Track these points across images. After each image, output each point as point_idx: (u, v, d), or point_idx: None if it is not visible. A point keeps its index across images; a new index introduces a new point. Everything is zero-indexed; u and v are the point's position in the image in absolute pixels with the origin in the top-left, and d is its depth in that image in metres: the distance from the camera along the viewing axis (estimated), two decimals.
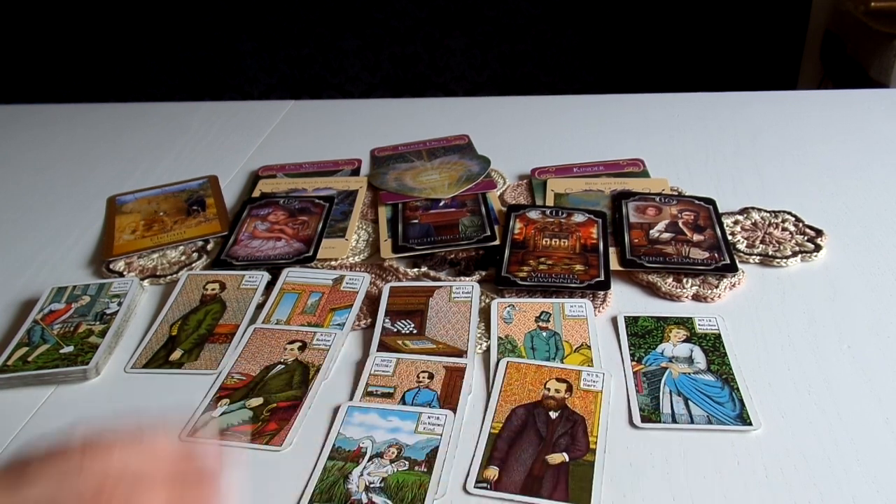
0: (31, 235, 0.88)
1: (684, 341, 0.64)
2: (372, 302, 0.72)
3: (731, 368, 0.61)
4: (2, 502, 0.35)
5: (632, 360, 0.62)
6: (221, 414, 0.60)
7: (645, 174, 0.90)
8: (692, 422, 0.56)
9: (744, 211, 0.81)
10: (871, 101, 1.06)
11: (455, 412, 0.58)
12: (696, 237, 0.76)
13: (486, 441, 0.55)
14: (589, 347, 0.64)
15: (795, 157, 0.93)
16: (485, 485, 0.52)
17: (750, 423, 0.55)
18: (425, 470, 0.53)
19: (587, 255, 0.74)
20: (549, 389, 0.59)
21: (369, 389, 0.61)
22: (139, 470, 0.38)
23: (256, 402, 0.61)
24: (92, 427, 0.40)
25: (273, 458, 0.56)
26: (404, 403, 0.59)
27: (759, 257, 0.74)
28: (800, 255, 0.73)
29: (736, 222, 0.79)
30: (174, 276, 0.78)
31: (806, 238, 0.76)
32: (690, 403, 0.58)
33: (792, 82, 2.20)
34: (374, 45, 2.38)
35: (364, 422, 0.57)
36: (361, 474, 0.53)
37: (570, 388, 0.59)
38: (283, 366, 0.64)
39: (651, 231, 0.77)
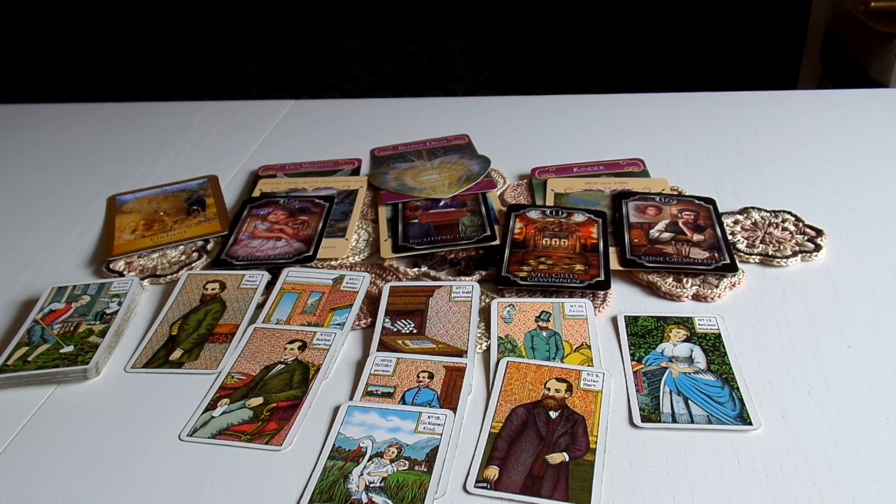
0: (31, 235, 0.88)
1: (684, 341, 0.64)
2: (372, 302, 0.72)
3: (731, 368, 0.61)
4: None
5: (632, 360, 0.63)
6: (221, 414, 0.60)
7: (645, 174, 0.90)
8: (692, 421, 0.56)
9: (744, 211, 0.81)
10: (871, 101, 1.06)
11: (455, 412, 0.58)
12: (697, 237, 0.76)
13: (486, 441, 0.55)
14: (589, 347, 0.64)
15: (795, 157, 0.93)
16: (485, 484, 0.52)
17: (750, 423, 0.55)
18: (425, 469, 0.53)
19: (587, 255, 0.74)
20: (549, 389, 0.59)
21: (369, 389, 0.61)
22: None
23: (256, 401, 0.61)
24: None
25: (273, 458, 0.56)
26: (404, 403, 0.59)
27: (759, 257, 0.74)
28: (800, 255, 0.73)
29: (736, 222, 0.79)
30: (174, 275, 0.78)
31: (806, 238, 0.76)
32: (690, 403, 0.58)
33: (792, 82, 2.20)
34: (374, 44, 2.38)
35: (364, 421, 0.57)
36: (361, 474, 0.53)
37: (570, 388, 0.59)
38: (283, 365, 0.64)
39: (651, 231, 0.77)
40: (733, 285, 0.70)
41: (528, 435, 0.56)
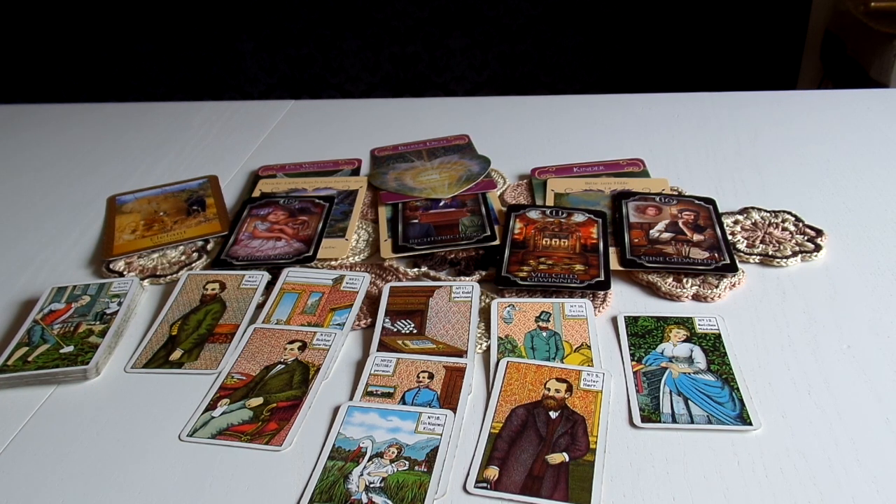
0: (31, 235, 0.88)
1: (684, 341, 0.64)
2: (372, 302, 0.72)
3: (731, 368, 0.61)
4: None
5: (632, 360, 0.63)
6: (221, 414, 0.60)
7: (645, 174, 0.90)
8: (692, 422, 0.56)
9: (744, 211, 0.81)
10: (871, 101, 1.06)
11: (455, 412, 0.58)
12: (696, 237, 0.76)
13: (486, 441, 0.55)
14: (589, 347, 0.64)
15: (795, 157, 0.93)
16: (485, 485, 0.52)
17: (750, 423, 0.55)
18: (425, 470, 0.53)
19: (587, 255, 0.74)
20: (549, 389, 0.59)
21: (369, 389, 0.61)
22: None
23: (256, 401, 0.61)
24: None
25: (273, 458, 0.56)
26: (404, 403, 0.59)
27: (759, 257, 0.74)
28: (800, 255, 0.73)
29: (736, 222, 0.79)
30: (174, 275, 0.78)
31: (806, 238, 0.76)
32: (690, 403, 0.58)
33: (792, 82, 2.20)
34: (374, 45, 2.38)
35: (364, 422, 0.57)
36: (361, 474, 0.53)
37: (570, 388, 0.59)
38: (283, 365, 0.64)
39: (651, 231, 0.77)
40: (733, 285, 0.70)
41: (528, 435, 0.56)
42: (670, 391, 0.59)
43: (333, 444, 0.56)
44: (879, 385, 0.58)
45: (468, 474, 0.53)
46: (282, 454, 0.56)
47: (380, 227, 0.83)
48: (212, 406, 0.61)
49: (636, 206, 0.82)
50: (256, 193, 0.92)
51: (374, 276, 0.75)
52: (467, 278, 0.74)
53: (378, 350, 0.65)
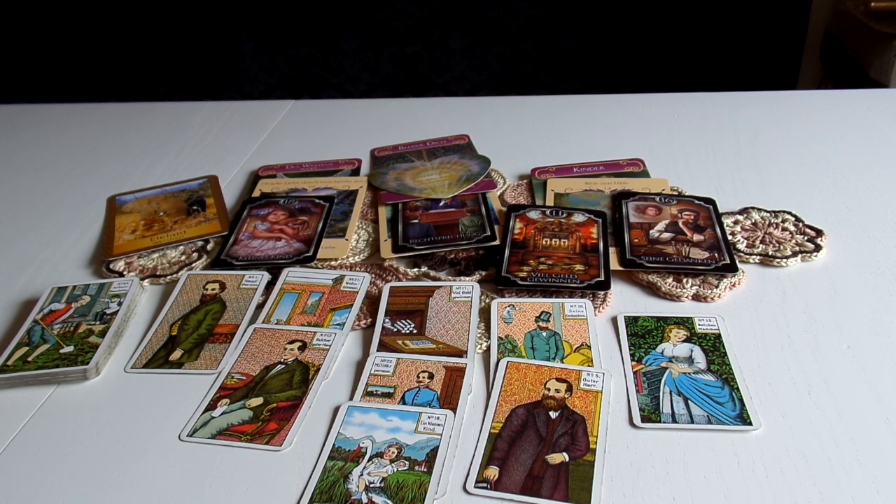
0: (31, 235, 0.88)
1: (684, 341, 0.64)
2: (372, 302, 0.72)
3: (731, 368, 0.61)
4: None
5: (632, 360, 0.62)
6: (221, 414, 0.60)
7: (645, 174, 0.90)
8: (692, 422, 0.56)
9: (744, 211, 0.81)
10: (871, 101, 1.06)
11: (455, 412, 0.58)
12: (696, 237, 0.76)
13: (486, 441, 0.55)
14: (589, 347, 0.64)
15: (795, 157, 0.93)
16: (485, 485, 0.52)
17: (750, 423, 0.55)
18: (425, 470, 0.53)
19: (587, 255, 0.74)
20: (549, 389, 0.59)
21: (369, 389, 0.61)
22: None
23: (256, 401, 0.61)
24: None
25: (273, 458, 0.56)
26: (404, 403, 0.59)
27: (759, 257, 0.74)
28: (800, 255, 0.73)
29: (736, 222, 0.79)
30: (174, 275, 0.78)
31: (806, 238, 0.76)
32: (690, 403, 0.58)
33: (792, 82, 2.20)
34: (374, 45, 2.38)
35: (364, 422, 0.57)
36: (361, 474, 0.53)
37: (570, 388, 0.59)
38: (283, 366, 0.64)
39: (651, 231, 0.77)
40: (733, 285, 0.70)
41: (528, 435, 0.56)
42: (670, 391, 0.59)
43: (333, 444, 0.56)
44: (879, 385, 0.58)
45: (468, 474, 0.53)
46: (282, 454, 0.56)
47: (380, 227, 0.83)
48: (212, 406, 0.61)
49: (636, 206, 0.82)
50: (256, 193, 0.92)
51: (374, 276, 0.75)
52: (467, 278, 0.74)
53: (378, 350, 0.65)
